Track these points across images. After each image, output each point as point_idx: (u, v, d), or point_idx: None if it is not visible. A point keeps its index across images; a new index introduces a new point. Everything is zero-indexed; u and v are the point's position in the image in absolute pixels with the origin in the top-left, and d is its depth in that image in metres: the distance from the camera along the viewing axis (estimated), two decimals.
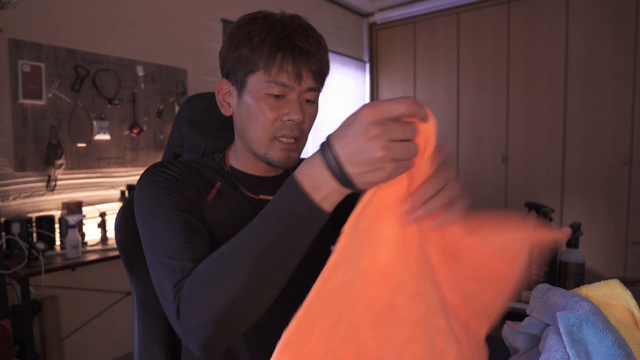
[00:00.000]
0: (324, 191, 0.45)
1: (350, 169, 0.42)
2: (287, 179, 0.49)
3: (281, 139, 0.70)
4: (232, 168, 0.78)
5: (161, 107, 2.62)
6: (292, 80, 0.68)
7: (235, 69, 0.71)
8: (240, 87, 0.72)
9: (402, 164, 0.42)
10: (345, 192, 0.45)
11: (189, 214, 0.66)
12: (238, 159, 0.78)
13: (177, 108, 2.68)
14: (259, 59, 0.68)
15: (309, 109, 0.72)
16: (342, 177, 0.43)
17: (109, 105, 2.37)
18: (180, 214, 0.64)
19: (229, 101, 0.76)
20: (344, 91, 4.12)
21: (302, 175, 0.46)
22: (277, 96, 0.69)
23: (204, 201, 0.71)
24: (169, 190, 0.67)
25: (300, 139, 0.73)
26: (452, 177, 0.46)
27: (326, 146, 0.44)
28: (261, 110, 0.69)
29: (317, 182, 0.45)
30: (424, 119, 0.42)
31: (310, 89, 0.71)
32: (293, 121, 0.69)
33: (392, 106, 0.41)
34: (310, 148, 3.71)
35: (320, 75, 0.72)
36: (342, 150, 0.43)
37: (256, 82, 0.69)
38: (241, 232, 0.52)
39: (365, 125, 0.41)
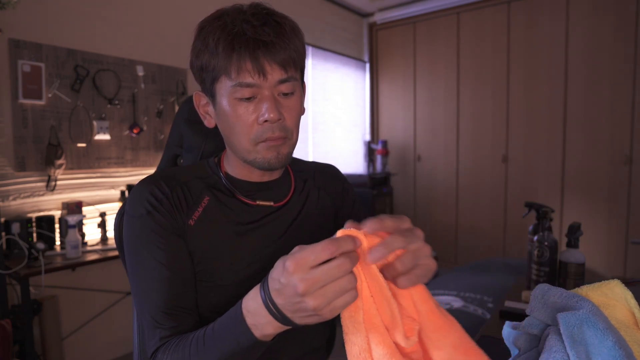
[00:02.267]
0: (266, 330, 0.50)
1: (289, 315, 0.47)
2: (235, 308, 0.53)
3: (265, 142, 0.66)
4: (227, 174, 0.75)
5: (161, 107, 2.62)
6: (255, 77, 0.63)
7: (202, 78, 0.68)
8: (212, 96, 0.68)
9: (339, 301, 0.43)
10: (288, 327, 0.49)
11: (176, 263, 0.66)
12: (232, 166, 0.75)
13: (177, 108, 2.68)
14: (217, 64, 0.63)
15: (288, 103, 0.67)
16: (282, 320, 0.48)
17: (109, 105, 2.37)
18: (167, 267, 0.65)
19: (209, 112, 0.72)
20: (344, 91, 4.12)
21: (246, 311, 0.51)
22: (248, 99, 0.64)
23: (186, 225, 0.69)
24: (155, 239, 0.66)
25: (287, 137, 0.68)
26: (420, 236, 0.47)
27: (266, 289, 0.48)
28: (236, 117, 0.65)
29: (259, 323, 0.50)
30: (354, 243, 0.43)
31: (282, 81, 0.65)
32: (269, 122, 0.65)
33: (314, 255, 0.42)
34: (311, 149, 3.70)
35: (289, 63, 0.64)
36: (278, 300, 0.46)
37: (222, 89, 0.65)
38: (206, 336, 0.57)
39: (293, 282, 0.43)
